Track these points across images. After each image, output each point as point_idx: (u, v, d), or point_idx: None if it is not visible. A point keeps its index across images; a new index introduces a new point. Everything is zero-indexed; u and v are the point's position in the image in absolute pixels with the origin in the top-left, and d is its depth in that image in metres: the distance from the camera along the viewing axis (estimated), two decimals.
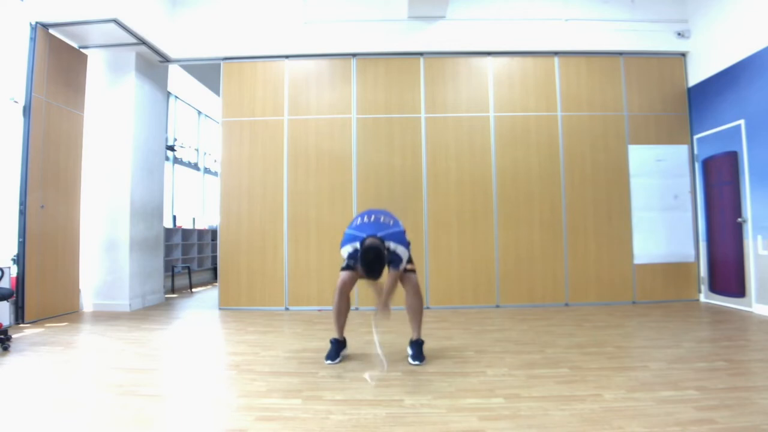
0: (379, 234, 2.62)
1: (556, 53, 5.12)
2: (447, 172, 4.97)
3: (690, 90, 5.13)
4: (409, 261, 2.82)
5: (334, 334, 2.93)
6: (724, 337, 3.40)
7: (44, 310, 4.26)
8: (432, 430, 1.85)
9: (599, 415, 1.94)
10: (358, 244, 2.63)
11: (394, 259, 2.67)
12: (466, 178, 4.96)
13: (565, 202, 4.96)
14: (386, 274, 2.68)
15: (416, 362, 2.76)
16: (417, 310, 2.85)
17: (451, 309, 4.76)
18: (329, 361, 2.80)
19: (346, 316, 2.89)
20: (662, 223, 5.00)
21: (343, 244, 2.74)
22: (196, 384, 2.54)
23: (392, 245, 2.65)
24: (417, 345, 2.85)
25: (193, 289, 6.87)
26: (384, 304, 2.76)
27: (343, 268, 2.81)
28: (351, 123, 5.03)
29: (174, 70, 6.14)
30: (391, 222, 2.79)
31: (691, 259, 5.01)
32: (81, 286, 4.80)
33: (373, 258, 2.50)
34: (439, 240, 4.91)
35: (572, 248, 4.93)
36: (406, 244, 2.74)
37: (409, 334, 2.97)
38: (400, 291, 2.89)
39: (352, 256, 2.69)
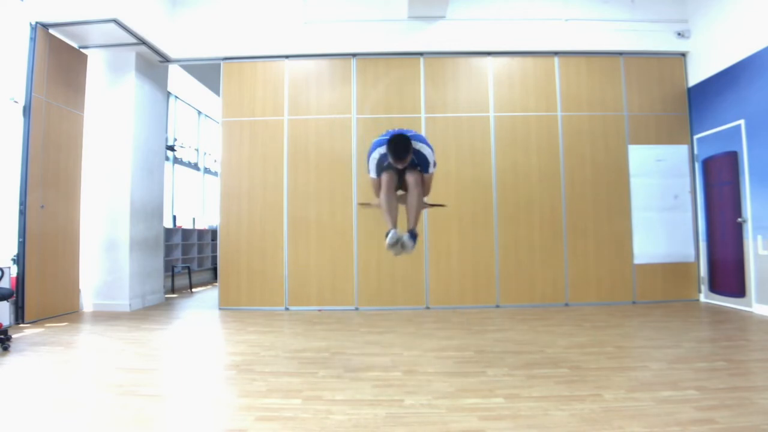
0: (408, 133, 2.69)
1: (556, 53, 5.12)
2: (447, 171, 4.96)
3: (690, 90, 5.13)
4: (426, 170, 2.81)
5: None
6: (724, 337, 3.40)
7: (44, 310, 4.26)
8: (432, 430, 1.85)
9: (599, 415, 1.94)
10: (384, 148, 2.65)
11: (422, 161, 2.74)
12: (466, 178, 4.96)
13: (565, 202, 4.96)
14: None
15: (410, 240, 2.72)
16: (416, 204, 2.77)
17: (451, 309, 4.76)
18: (392, 234, 2.73)
19: (396, 210, 2.78)
20: (662, 223, 5.00)
21: (370, 153, 2.79)
22: (196, 384, 2.54)
23: (418, 144, 2.70)
24: (411, 233, 2.78)
25: (193, 289, 6.87)
26: (419, 205, 2.78)
27: (379, 172, 2.77)
28: (351, 123, 5.03)
29: (174, 70, 6.14)
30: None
31: (691, 259, 5.01)
32: (81, 286, 4.80)
33: (401, 140, 2.58)
34: (439, 240, 4.92)
35: (572, 248, 4.93)
36: (431, 147, 2.79)
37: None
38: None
39: (379, 162, 2.72)
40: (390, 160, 2.63)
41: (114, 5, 4.32)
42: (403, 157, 2.57)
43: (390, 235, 2.73)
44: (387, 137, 2.68)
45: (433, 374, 2.56)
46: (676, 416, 1.92)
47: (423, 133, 5.00)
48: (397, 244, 2.74)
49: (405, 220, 2.81)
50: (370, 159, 2.80)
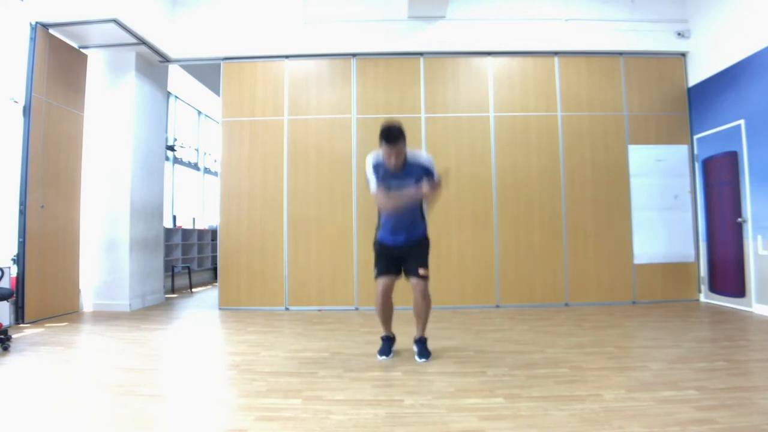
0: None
1: (556, 53, 5.12)
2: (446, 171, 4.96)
3: (690, 90, 5.13)
4: (425, 265, 2.82)
5: (381, 332, 3.02)
6: (724, 337, 3.40)
7: (44, 310, 4.26)
8: (432, 430, 1.85)
9: (599, 415, 1.94)
10: (375, 157, 2.72)
11: (426, 171, 2.73)
12: (466, 178, 4.96)
13: (565, 201, 4.96)
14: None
15: (422, 359, 2.82)
16: (423, 313, 2.88)
17: (451, 309, 4.76)
18: (383, 357, 2.88)
19: (391, 316, 2.95)
20: (662, 223, 5.00)
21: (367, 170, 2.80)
22: (196, 384, 2.54)
23: (417, 157, 2.76)
24: (421, 342, 2.92)
25: (193, 289, 6.87)
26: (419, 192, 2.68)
27: (377, 275, 2.85)
28: (351, 123, 5.03)
29: (174, 70, 6.14)
30: None
31: (691, 259, 5.01)
32: (81, 286, 4.80)
33: (393, 124, 2.60)
34: (439, 240, 4.89)
35: (572, 248, 4.93)
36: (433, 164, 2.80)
37: (412, 334, 2.98)
38: (403, 290, 2.90)
39: (375, 167, 2.74)
40: (384, 153, 2.61)
41: (114, 5, 4.32)
42: (395, 143, 2.56)
43: (383, 359, 2.85)
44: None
45: (433, 374, 2.56)
46: (676, 416, 1.92)
47: (423, 132, 5.01)
48: (392, 355, 2.89)
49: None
50: (366, 172, 2.79)
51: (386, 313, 2.90)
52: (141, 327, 4.01)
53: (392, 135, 2.57)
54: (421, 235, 2.89)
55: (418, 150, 2.86)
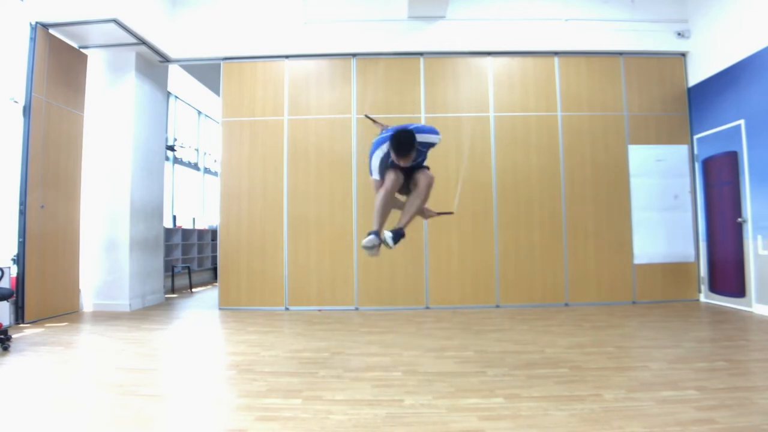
0: (410, 127, 2.62)
1: (556, 53, 5.12)
2: (447, 172, 4.96)
3: (690, 90, 5.13)
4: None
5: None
6: (724, 337, 3.40)
7: (44, 310, 4.26)
8: (432, 430, 1.85)
9: (599, 415, 1.94)
10: (387, 145, 2.56)
11: (430, 142, 2.71)
12: (466, 178, 4.95)
13: (565, 202, 4.96)
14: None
15: (394, 243, 2.67)
16: (421, 203, 2.74)
17: (451, 309, 4.76)
18: (372, 238, 2.72)
19: (389, 214, 2.78)
20: (662, 223, 5.00)
21: (372, 152, 2.67)
22: (196, 384, 2.55)
23: (424, 136, 2.66)
24: (399, 232, 2.73)
25: (193, 289, 6.87)
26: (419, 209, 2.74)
27: (387, 170, 2.67)
28: (351, 123, 5.03)
29: (174, 70, 6.14)
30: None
31: (691, 259, 5.01)
32: (81, 286, 4.80)
33: (405, 135, 2.48)
34: (439, 240, 4.91)
35: (572, 248, 4.93)
36: (437, 132, 2.78)
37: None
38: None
39: (383, 162, 2.61)
40: (393, 158, 2.50)
41: (114, 5, 4.32)
42: (407, 154, 2.45)
43: (370, 238, 2.69)
44: (390, 133, 2.55)
45: (433, 374, 2.56)
46: (676, 416, 1.92)
47: None
48: (375, 248, 2.70)
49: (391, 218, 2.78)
50: (372, 158, 2.64)
51: (387, 209, 2.73)
52: (141, 327, 4.01)
53: (403, 149, 2.46)
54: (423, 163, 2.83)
55: (428, 129, 2.80)
